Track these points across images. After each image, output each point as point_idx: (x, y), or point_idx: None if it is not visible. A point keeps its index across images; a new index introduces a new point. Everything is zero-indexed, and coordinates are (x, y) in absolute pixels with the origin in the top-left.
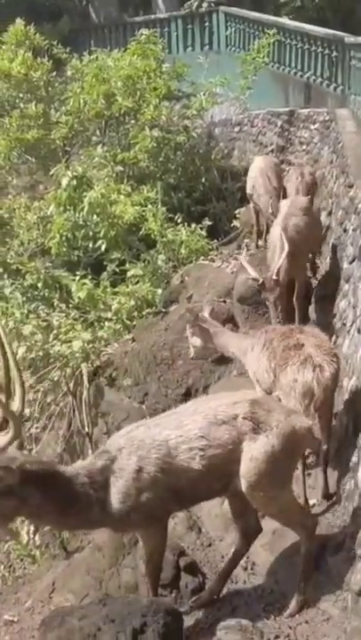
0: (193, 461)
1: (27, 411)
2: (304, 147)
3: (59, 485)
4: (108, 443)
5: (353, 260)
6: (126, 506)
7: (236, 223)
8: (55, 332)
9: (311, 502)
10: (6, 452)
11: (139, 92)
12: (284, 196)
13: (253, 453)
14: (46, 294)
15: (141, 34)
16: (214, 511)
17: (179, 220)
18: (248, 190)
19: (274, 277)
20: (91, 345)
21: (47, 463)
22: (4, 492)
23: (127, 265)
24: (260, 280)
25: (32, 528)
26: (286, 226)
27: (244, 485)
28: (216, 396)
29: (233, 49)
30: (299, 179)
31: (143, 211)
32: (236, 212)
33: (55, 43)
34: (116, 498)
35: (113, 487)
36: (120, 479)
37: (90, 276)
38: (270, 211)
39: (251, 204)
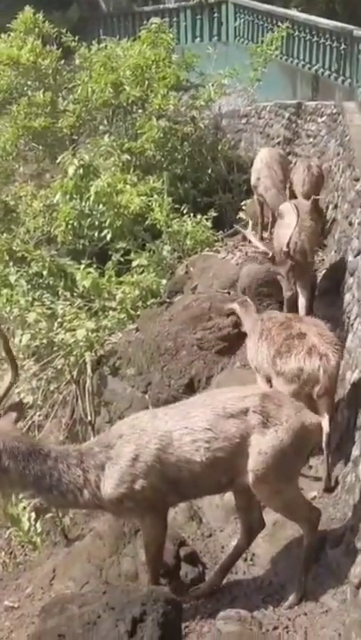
0: (197, 453)
1: (30, 398)
2: (311, 139)
3: (38, 463)
4: (112, 428)
5: (358, 254)
6: (119, 492)
7: (241, 215)
8: (59, 320)
9: (312, 495)
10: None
11: (147, 82)
12: (290, 189)
13: (262, 447)
14: (51, 282)
15: (152, 23)
16: (215, 502)
17: (184, 211)
18: (253, 182)
19: (284, 249)
20: (95, 334)
21: (29, 440)
22: None
23: (132, 255)
24: (270, 253)
25: (33, 515)
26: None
27: (250, 478)
28: (226, 390)
29: (242, 40)
30: (305, 171)
31: (149, 201)
32: (242, 203)
33: (64, 31)
34: (109, 483)
35: (108, 472)
36: (115, 465)
37: (95, 265)
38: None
39: (255, 196)
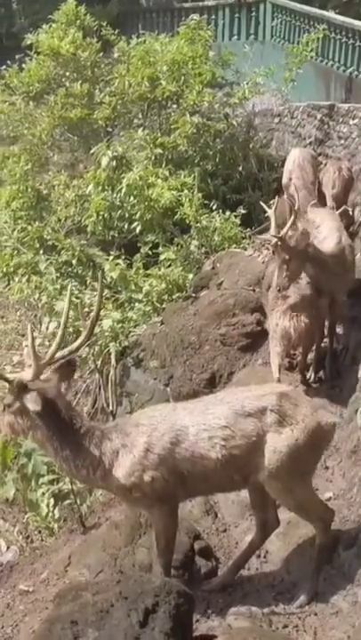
0: (212, 450)
1: None
2: (342, 141)
3: (70, 432)
4: (132, 416)
5: None
6: (129, 481)
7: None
8: (86, 309)
9: (327, 495)
10: (49, 382)
11: (183, 78)
12: (319, 189)
13: (277, 446)
14: (80, 272)
15: (192, 19)
16: (231, 497)
17: (214, 207)
18: (284, 182)
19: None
20: (120, 325)
21: (70, 409)
22: (21, 411)
23: (160, 248)
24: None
25: (52, 501)
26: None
27: (264, 475)
28: (245, 388)
29: (278, 40)
30: (335, 173)
31: (179, 195)
32: (271, 202)
33: (104, 24)
34: (120, 470)
35: (121, 459)
36: (129, 454)
37: (123, 257)
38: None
39: (285, 196)
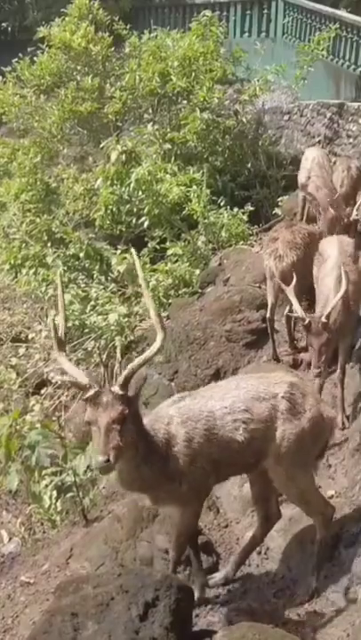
0: (236, 433)
1: (58, 378)
2: (351, 140)
3: (152, 436)
4: (159, 412)
5: None
6: (179, 472)
7: (277, 211)
8: (93, 303)
9: (330, 493)
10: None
11: (194, 74)
12: None
13: (286, 432)
14: (87, 265)
15: (203, 15)
16: (233, 493)
17: (222, 204)
18: (302, 180)
19: (323, 320)
20: (126, 319)
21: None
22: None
23: (168, 243)
24: (307, 320)
25: (54, 493)
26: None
27: (270, 461)
28: (255, 375)
29: (289, 38)
30: (344, 172)
31: (188, 191)
32: (279, 199)
33: (116, 19)
34: (170, 463)
35: (170, 451)
36: (175, 446)
37: (130, 251)
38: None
39: (301, 193)
